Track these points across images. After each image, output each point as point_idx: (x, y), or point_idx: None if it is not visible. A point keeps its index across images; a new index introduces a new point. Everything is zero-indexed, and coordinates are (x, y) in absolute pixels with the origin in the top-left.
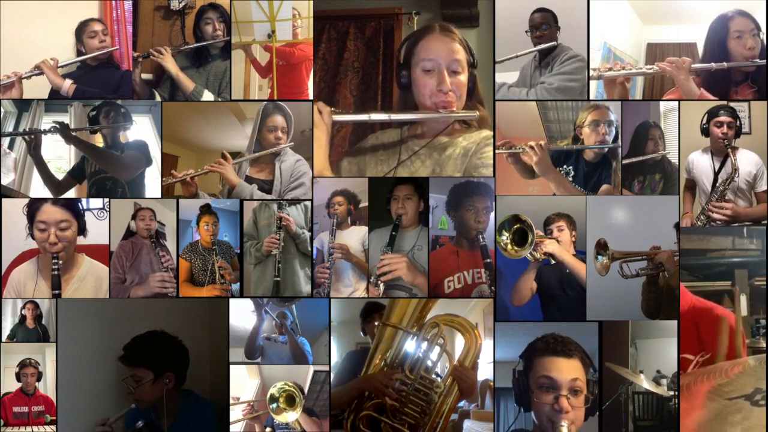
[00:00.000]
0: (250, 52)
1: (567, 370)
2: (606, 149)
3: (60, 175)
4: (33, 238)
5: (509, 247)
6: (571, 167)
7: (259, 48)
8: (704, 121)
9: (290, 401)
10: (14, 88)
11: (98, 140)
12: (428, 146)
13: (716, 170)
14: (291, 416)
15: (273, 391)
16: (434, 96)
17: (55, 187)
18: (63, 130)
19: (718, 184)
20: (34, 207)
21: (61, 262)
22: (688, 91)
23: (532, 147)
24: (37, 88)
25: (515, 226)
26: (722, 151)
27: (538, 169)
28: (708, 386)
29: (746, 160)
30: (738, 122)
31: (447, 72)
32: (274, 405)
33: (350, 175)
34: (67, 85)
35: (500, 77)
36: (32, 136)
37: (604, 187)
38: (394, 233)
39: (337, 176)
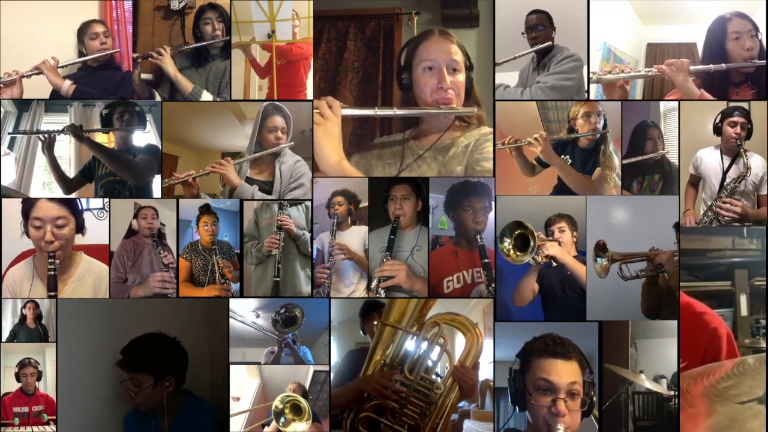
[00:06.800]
0: (249, 51)
1: (565, 373)
2: (598, 135)
3: None
4: (28, 236)
5: (512, 252)
6: (568, 156)
7: (258, 48)
8: (717, 120)
9: (296, 410)
10: (15, 86)
11: (108, 140)
12: (432, 149)
13: (725, 169)
14: (300, 427)
15: (277, 403)
16: (435, 93)
17: (66, 186)
18: (75, 130)
19: (727, 182)
20: (28, 203)
21: (58, 261)
22: (688, 92)
23: (536, 139)
24: (37, 89)
25: (516, 232)
26: (733, 151)
27: (543, 157)
28: (703, 386)
29: (752, 163)
30: (750, 124)
31: (446, 71)
32: (282, 419)
33: (353, 175)
34: (67, 86)
35: (500, 78)
36: (46, 135)
37: (597, 170)
38: (392, 236)
39: (337, 176)
